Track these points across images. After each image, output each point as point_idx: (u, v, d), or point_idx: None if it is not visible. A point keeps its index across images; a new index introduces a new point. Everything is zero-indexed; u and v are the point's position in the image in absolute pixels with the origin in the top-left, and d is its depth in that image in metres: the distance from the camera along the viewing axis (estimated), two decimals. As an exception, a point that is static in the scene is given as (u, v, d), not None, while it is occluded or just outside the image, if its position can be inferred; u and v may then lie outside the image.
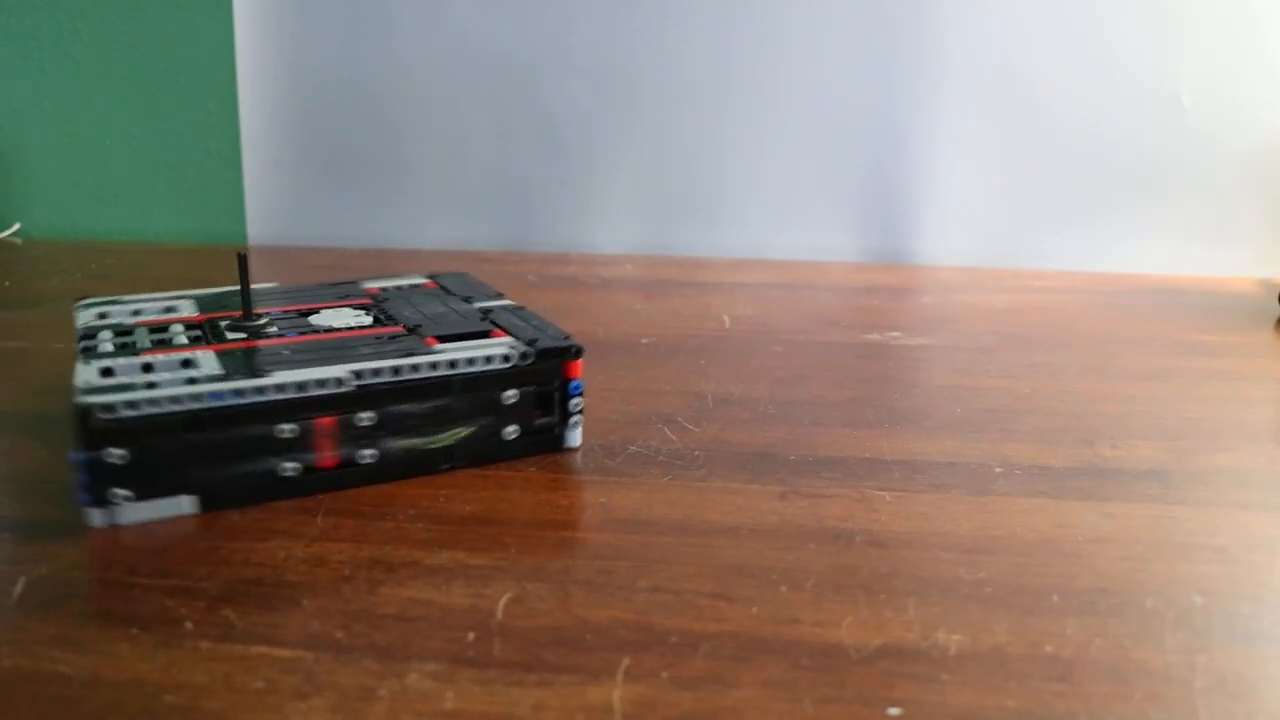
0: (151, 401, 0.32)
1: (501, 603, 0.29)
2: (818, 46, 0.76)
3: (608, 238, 0.81)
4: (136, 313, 0.42)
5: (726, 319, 0.60)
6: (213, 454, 0.33)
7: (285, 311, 0.42)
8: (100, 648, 0.26)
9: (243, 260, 0.39)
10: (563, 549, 0.32)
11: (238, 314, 0.42)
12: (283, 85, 0.81)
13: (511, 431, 0.38)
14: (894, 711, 0.24)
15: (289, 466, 0.34)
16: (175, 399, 0.33)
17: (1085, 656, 0.27)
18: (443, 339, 0.39)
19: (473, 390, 0.37)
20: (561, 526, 0.33)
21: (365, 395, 0.35)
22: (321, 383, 0.34)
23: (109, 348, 0.37)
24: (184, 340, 0.38)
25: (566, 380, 0.38)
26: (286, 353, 0.37)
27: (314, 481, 0.35)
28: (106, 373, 0.35)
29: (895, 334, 0.57)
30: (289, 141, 0.82)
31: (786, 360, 0.52)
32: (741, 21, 0.77)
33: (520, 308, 0.43)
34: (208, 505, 0.34)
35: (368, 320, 0.41)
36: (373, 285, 0.47)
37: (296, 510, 0.34)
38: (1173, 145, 0.75)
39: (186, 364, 0.36)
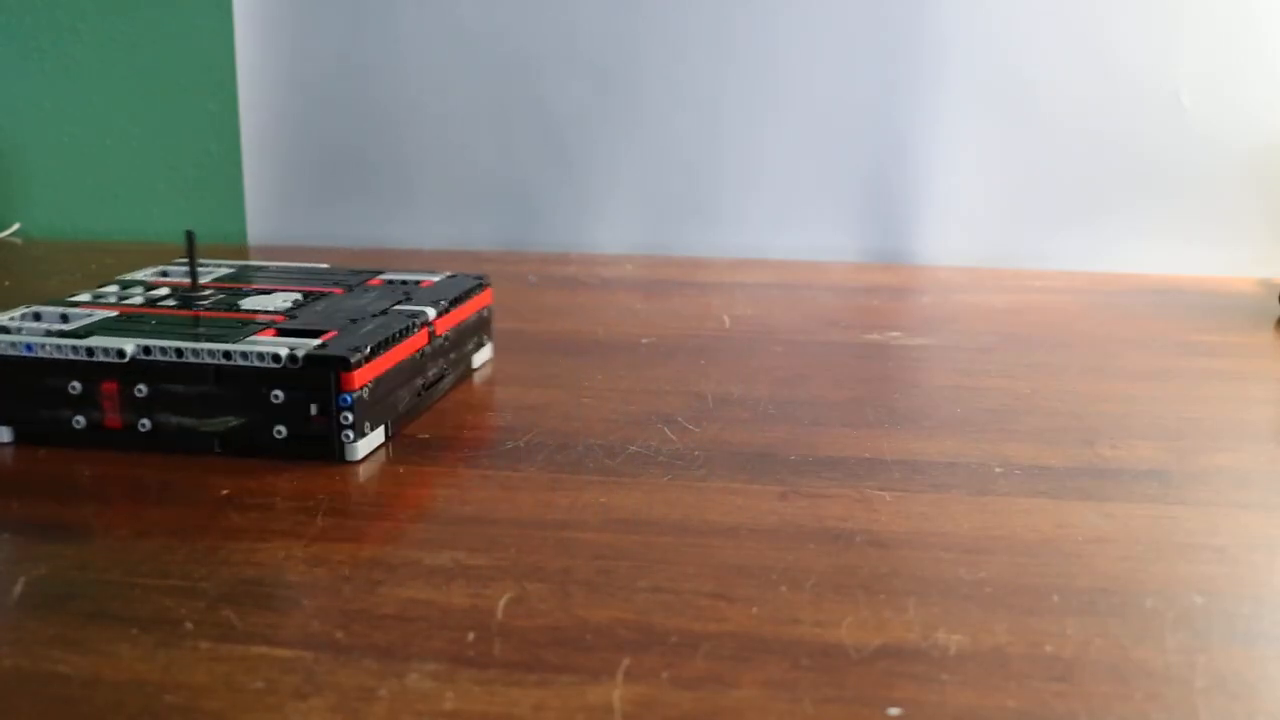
0: None
1: (501, 603, 0.29)
2: (818, 47, 0.76)
3: (608, 238, 0.81)
4: (164, 274, 0.51)
5: (726, 319, 0.60)
6: (19, 395, 0.39)
7: (233, 289, 0.48)
8: (100, 648, 0.26)
9: (190, 237, 0.46)
10: (563, 549, 0.32)
11: (208, 286, 0.49)
12: (283, 85, 0.81)
13: (281, 431, 0.38)
14: (894, 711, 0.24)
15: (79, 420, 0.39)
16: (8, 344, 0.39)
17: (1085, 656, 0.27)
18: (284, 333, 0.41)
19: (233, 384, 0.38)
20: (561, 526, 0.33)
21: (142, 369, 0.38)
22: (108, 351, 0.38)
23: (84, 297, 0.46)
24: (137, 301, 0.45)
25: (339, 390, 0.38)
26: (152, 323, 0.42)
27: (100, 438, 0.39)
28: (35, 316, 0.43)
29: (895, 334, 0.57)
30: (289, 141, 0.82)
31: (786, 360, 0.52)
32: (742, 21, 0.77)
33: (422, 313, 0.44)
34: (19, 438, 0.40)
35: (283, 307, 0.45)
36: (380, 278, 0.50)
37: (297, 510, 0.34)
38: (1173, 145, 0.75)
39: (68, 319, 0.42)
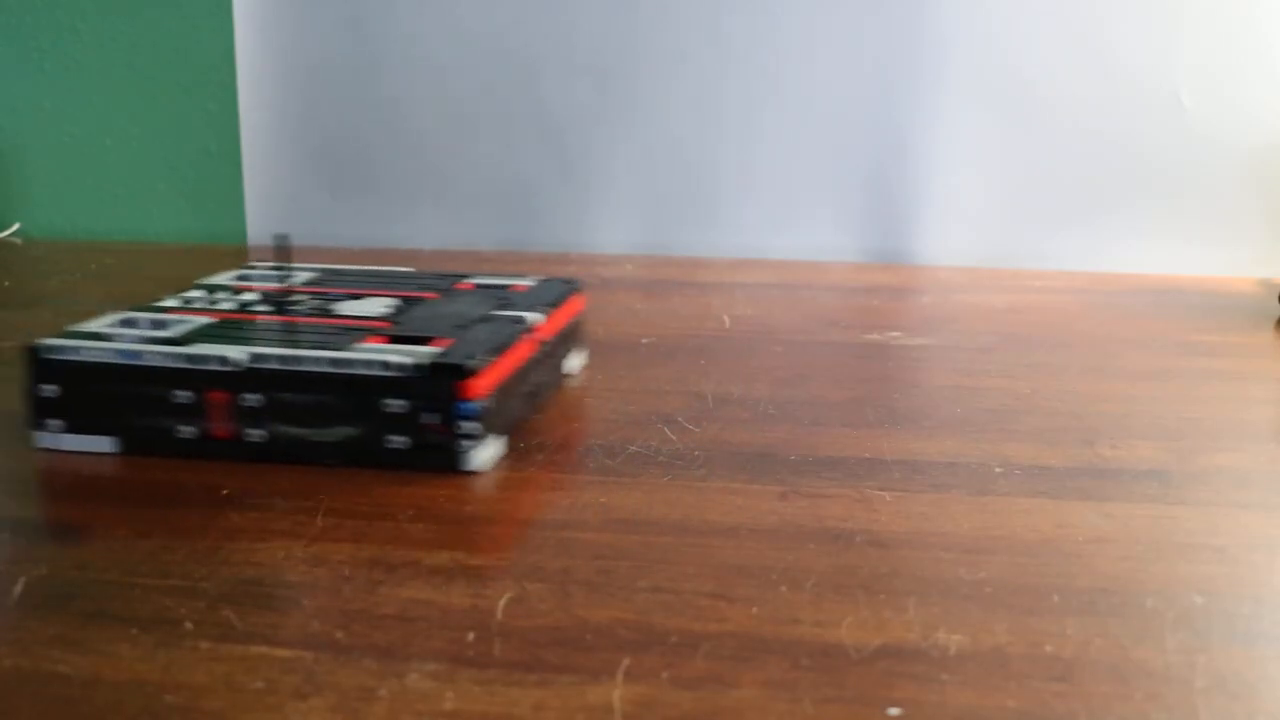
0: (89, 350, 0.38)
1: (501, 603, 0.29)
2: (818, 46, 0.76)
3: (608, 238, 0.81)
4: (245, 278, 0.49)
5: (726, 319, 0.60)
6: (123, 405, 0.38)
7: (328, 294, 0.46)
8: (100, 648, 0.26)
9: (282, 241, 0.43)
10: (563, 549, 0.32)
11: (304, 291, 0.47)
12: (283, 85, 0.81)
13: (398, 442, 0.37)
14: (894, 711, 0.24)
15: (185, 430, 0.38)
16: (105, 351, 0.38)
17: (1085, 656, 0.27)
18: (393, 340, 0.39)
19: (350, 393, 0.37)
20: (561, 526, 0.33)
21: (254, 378, 0.37)
22: (217, 359, 0.37)
23: (172, 303, 0.44)
24: (229, 306, 0.44)
25: (457, 399, 0.37)
26: (253, 330, 0.40)
27: (208, 448, 0.38)
28: (125, 322, 0.41)
29: (895, 334, 0.57)
30: (289, 141, 0.82)
31: (786, 360, 0.52)
32: (742, 21, 0.77)
33: (522, 319, 0.42)
34: (126, 449, 0.38)
35: (383, 313, 0.43)
36: (469, 281, 0.50)
37: (296, 510, 0.34)
38: (1173, 145, 0.75)
39: (162, 325, 0.41)
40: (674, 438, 0.41)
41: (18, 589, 0.29)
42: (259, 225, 0.83)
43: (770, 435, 0.41)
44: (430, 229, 0.82)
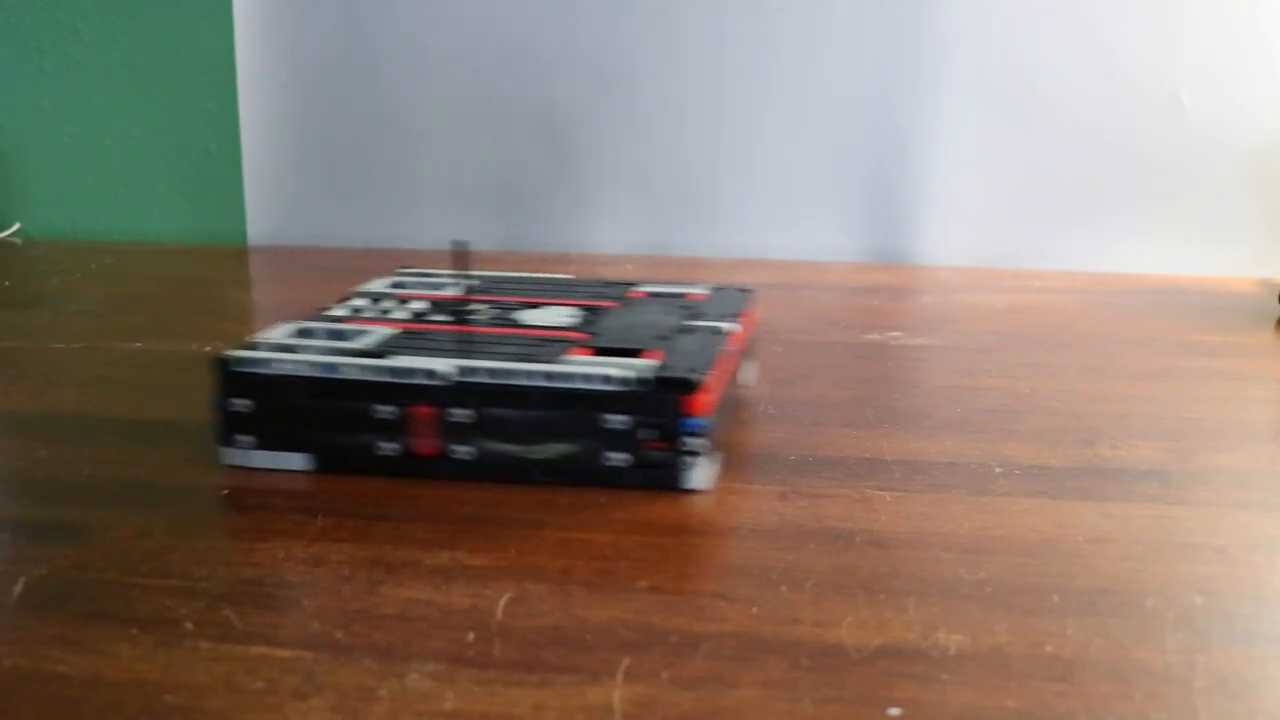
0: (282, 363, 0.36)
1: (501, 603, 0.29)
2: (818, 46, 0.77)
3: (608, 238, 0.81)
4: (420, 284, 0.48)
5: (726, 319, 0.59)
6: (320, 420, 0.36)
7: (502, 303, 0.45)
8: (100, 648, 0.26)
9: (461, 248, 0.41)
10: (563, 549, 0.32)
11: (476, 299, 0.45)
12: (283, 85, 0.81)
13: (617, 459, 0.35)
14: (894, 711, 0.24)
15: (387, 447, 0.36)
16: (299, 364, 0.36)
17: (1085, 656, 0.27)
18: (600, 351, 0.37)
19: (569, 408, 0.35)
20: (563, 527, 0.33)
21: (464, 392, 0.35)
22: (424, 373, 0.35)
23: (340, 312, 0.42)
24: (402, 315, 0.42)
25: (682, 415, 0.35)
26: (444, 340, 0.38)
27: (410, 465, 0.36)
28: (302, 333, 0.40)
29: (895, 334, 0.57)
30: (289, 141, 0.82)
31: (786, 360, 0.52)
32: (742, 21, 0.77)
33: (723, 331, 0.41)
34: (321, 466, 0.37)
35: (571, 322, 0.42)
36: (640, 290, 0.47)
37: (296, 510, 0.34)
38: (1173, 145, 0.75)
39: (344, 335, 0.39)
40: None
41: (18, 589, 0.29)
42: (259, 225, 0.83)
43: (770, 435, 0.41)
44: (430, 229, 0.81)
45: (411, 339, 0.39)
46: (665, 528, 0.33)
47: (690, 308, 0.44)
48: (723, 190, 0.79)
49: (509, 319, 0.42)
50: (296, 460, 0.37)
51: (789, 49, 0.77)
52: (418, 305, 0.44)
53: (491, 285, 0.48)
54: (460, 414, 0.35)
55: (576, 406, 0.35)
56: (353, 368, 0.36)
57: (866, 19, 0.76)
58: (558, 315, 0.43)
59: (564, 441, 0.35)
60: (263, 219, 0.83)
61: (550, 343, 0.39)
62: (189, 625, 0.27)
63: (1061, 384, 0.48)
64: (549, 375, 0.35)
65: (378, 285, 0.47)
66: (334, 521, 0.33)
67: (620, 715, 0.24)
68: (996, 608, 0.29)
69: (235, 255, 0.77)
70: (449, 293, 0.46)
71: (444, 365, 0.35)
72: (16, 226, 0.84)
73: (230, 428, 0.37)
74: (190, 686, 0.25)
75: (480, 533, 0.33)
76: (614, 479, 0.36)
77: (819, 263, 0.77)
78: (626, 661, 0.26)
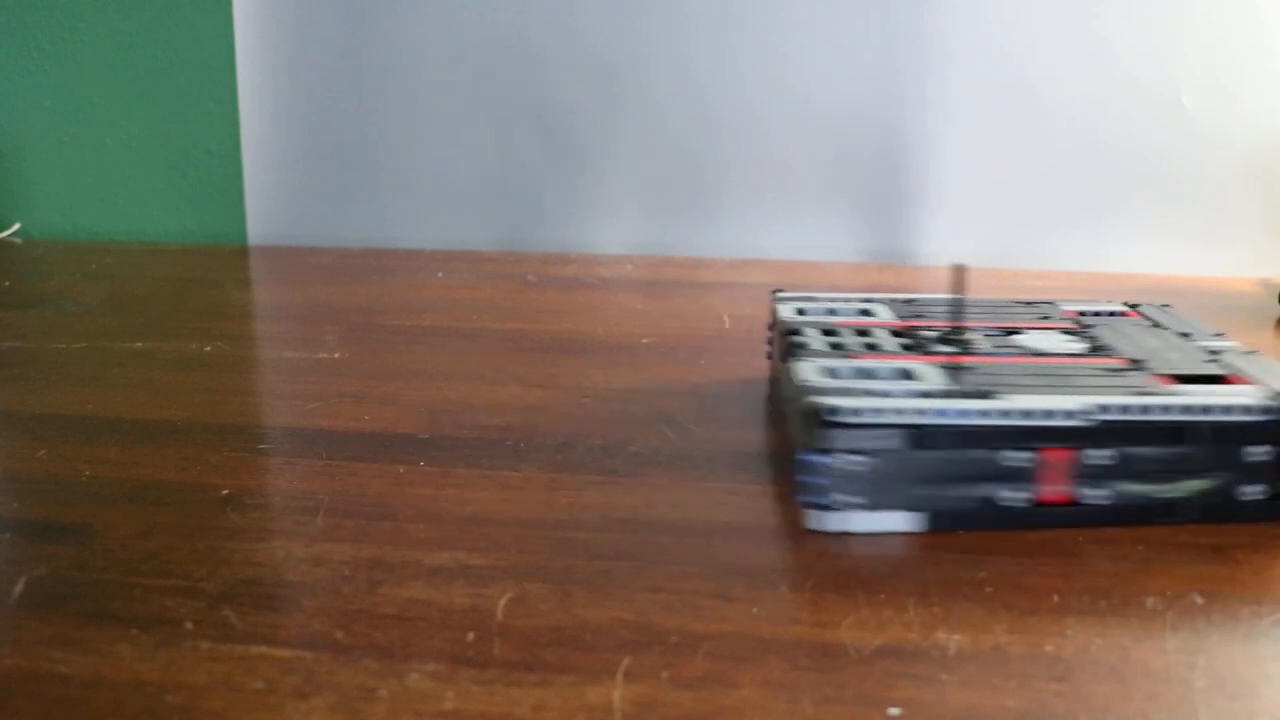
0: (882, 410, 0.32)
1: (501, 603, 0.29)
2: (818, 46, 0.76)
3: (608, 238, 0.81)
4: (832, 311, 0.44)
5: (726, 319, 0.59)
6: (935, 472, 0.33)
7: (987, 328, 0.42)
8: (100, 648, 0.26)
9: (961, 270, 0.39)
10: (563, 549, 0.32)
11: (938, 325, 0.42)
12: (283, 85, 0.81)
13: (1253, 492, 0.34)
14: (894, 711, 0.24)
15: (1011, 496, 0.33)
16: (905, 410, 0.32)
17: (1085, 656, 0.27)
18: (1180, 379, 0.36)
19: (1216, 441, 0.33)
20: (561, 526, 0.33)
21: (1104, 432, 0.33)
22: (1057, 413, 0.33)
23: (820, 347, 0.39)
24: (894, 348, 0.39)
25: None
26: (1009, 374, 0.36)
27: (1036, 515, 0.33)
28: (829, 373, 0.36)
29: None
30: (289, 141, 0.82)
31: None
32: (742, 20, 0.77)
33: (1251, 351, 0.39)
34: (933, 524, 0.33)
35: (1079, 348, 0.40)
36: (1070, 308, 0.46)
37: (296, 510, 0.34)
38: (1173, 145, 0.75)
39: (906, 374, 0.36)
40: (674, 438, 0.41)
41: (18, 589, 0.29)
42: (259, 225, 0.83)
43: (770, 435, 0.41)
44: (430, 229, 0.81)
45: (968, 374, 0.36)
46: (664, 526, 0.33)
47: (1150, 326, 0.43)
48: (723, 190, 0.79)
49: (1010, 346, 0.39)
50: (904, 521, 0.33)
51: (790, 48, 0.77)
52: (884, 334, 0.41)
53: (922, 311, 0.45)
54: (1099, 455, 0.33)
55: (1220, 439, 0.33)
56: (975, 413, 0.33)
57: (867, 19, 0.76)
58: (1060, 341, 0.40)
59: (1200, 477, 0.34)
60: (263, 219, 0.83)
61: (1117, 372, 0.36)
62: (189, 625, 0.27)
63: (1061, 384, 0.48)
64: (1186, 409, 0.33)
65: (788, 313, 0.44)
66: (334, 521, 0.33)
67: (620, 715, 0.24)
68: (996, 608, 0.29)
69: (235, 255, 0.77)
70: (885, 320, 0.43)
71: (1076, 403, 0.33)
72: (16, 226, 0.84)
73: (831, 489, 0.33)
74: (190, 686, 0.25)
75: (481, 533, 0.33)
76: (1249, 514, 0.34)
77: (819, 263, 0.77)
78: (626, 661, 0.26)
